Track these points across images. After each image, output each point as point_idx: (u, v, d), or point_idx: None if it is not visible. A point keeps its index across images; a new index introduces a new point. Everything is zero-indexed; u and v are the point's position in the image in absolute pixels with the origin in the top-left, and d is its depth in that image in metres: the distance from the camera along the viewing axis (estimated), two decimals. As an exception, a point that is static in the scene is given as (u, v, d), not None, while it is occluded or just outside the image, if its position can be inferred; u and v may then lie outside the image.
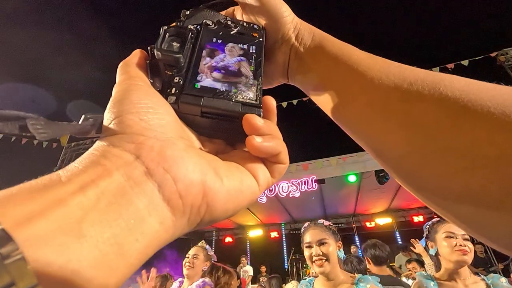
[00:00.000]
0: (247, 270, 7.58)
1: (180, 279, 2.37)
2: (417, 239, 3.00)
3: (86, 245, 0.16)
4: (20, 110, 0.20)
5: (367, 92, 0.31)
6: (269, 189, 6.99)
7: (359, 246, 8.73)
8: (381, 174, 6.49)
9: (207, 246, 2.49)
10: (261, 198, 7.22)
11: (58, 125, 0.22)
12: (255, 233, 10.72)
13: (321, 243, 1.61)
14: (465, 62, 7.01)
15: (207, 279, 2.22)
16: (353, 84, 0.33)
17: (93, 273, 0.16)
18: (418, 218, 8.89)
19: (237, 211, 0.26)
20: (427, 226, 1.79)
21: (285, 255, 10.05)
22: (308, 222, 1.79)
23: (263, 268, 8.27)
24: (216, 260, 2.52)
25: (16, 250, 0.14)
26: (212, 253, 2.47)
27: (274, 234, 10.55)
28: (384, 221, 9.39)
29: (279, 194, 7.22)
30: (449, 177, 0.25)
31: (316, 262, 1.56)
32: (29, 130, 0.20)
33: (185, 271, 2.24)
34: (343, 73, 0.34)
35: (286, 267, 9.02)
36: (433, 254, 1.66)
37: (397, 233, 9.03)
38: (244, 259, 8.02)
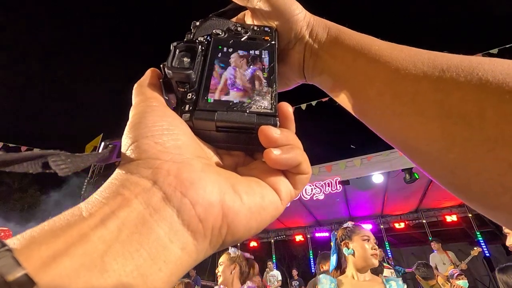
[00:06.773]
0: (275, 275, 7.43)
1: None
2: None
3: (109, 281, 0.16)
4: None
5: (393, 85, 0.29)
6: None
7: (388, 248, 8.43)
8: (408, 173, 6.21)
9: (231, 249, 2.49)
10: (284, 202, 7.10)
11: (79, 157, 0.22)
12: (280, 237, 10.63)
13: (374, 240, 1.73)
14: (494, 51, 6.61)
15: (250, 283, 2.25)
16: (375, 78, 0.30)
17: None
18: (451, 218, 8.41)
19: (261, 228, 0.25)
20: None
21: (312, 259, 9.87)
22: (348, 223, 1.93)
23: (294, 272, 8.16)
24: (247, 257, 2.50)
25: None
26: (238, 252, 2.45)
27: (299, 238, 10.40)
28: (414, 221, 8.98)
29: (303, 197, 7.11)
30: (502, 173, 0.22)
31: (374, 255, 1.66)
32: (51, 167, 0.20)
33: (219, 281, 2.29)
34: (363, 67, 0.32)
35: (313, 271, 8.85)
36: None
37: (429, 233, 8.60)
38: (270, 263, 7.94)
